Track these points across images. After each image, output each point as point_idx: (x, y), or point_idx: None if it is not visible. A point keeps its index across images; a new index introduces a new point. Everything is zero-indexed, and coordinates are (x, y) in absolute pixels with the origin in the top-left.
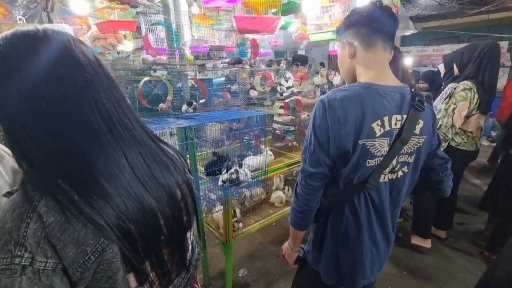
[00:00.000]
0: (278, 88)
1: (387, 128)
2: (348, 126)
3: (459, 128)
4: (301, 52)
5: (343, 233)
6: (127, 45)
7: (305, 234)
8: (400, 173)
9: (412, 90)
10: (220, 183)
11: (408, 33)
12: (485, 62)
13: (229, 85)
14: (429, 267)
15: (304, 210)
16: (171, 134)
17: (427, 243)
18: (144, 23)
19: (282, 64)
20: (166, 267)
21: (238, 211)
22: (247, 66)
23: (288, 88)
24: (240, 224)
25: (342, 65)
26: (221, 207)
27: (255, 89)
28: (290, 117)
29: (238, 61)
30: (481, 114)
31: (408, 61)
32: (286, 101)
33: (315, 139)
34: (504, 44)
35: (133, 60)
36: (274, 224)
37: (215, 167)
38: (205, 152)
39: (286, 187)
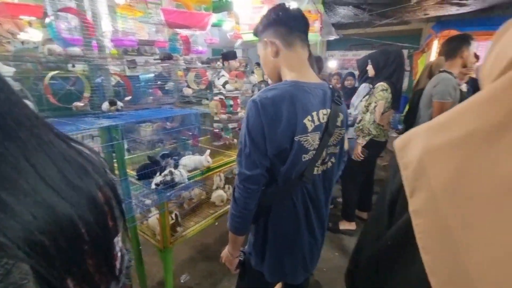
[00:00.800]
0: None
1: (317, 122)
2: (283, 124)
3: (378, 122)
4: (239, 52)
5: (284, 229)
6: (34, 35)
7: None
8: (329, 164)
9: (331, 86)
10: (153, 186)
11: (331, 38)
12: (396, 66)
13: (159, 82)
14: (351, 245)
15: (243, 214)
16: (92, 137)
17: (352, 226)
18: (50, 7)
19: (218, 62)
20: (92, 281)
21: (176, 214)
22: (181, 63)
23: (224, 84)
24: (180, 228)
25: (266, 65)
26: (157, 211)
27: (189, 87)
28: (227, 115)
29: (168, 57)
30: (393, 110)
31: (332, 64)
32: (216, 98)
33: (250, 140)
34: (404, 52)
35: (43, 52)
36: (216, 223)
37: (148, 170)
38: (136, 155)
39: (227, 186)
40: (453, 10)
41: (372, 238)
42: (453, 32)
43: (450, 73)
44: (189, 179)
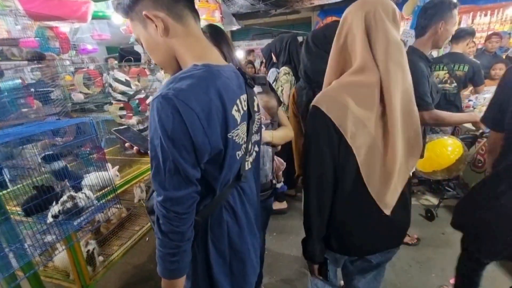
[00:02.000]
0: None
1: (242, 111)
2: (212, 120)
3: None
4: (137, 48)
5: (227, 241)
6: None
7: None
8: (254, 154)
9: (238, 68)
10: (50, 219)
11: (234, 28)
12: (291, 50)
13: (34, 90)
14: (289, 223)
15: (181, 247)
16: None
17: (283, 205)
18: None
19: (115, 62)
20: None
21: (91, 243)
22: (67, 63)
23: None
24: (100, 257)
25: (153, 50)
26: (65, 247)
27: (81, 92)
28: (135, 118)
29: (38, 57)
30: None
31: (239, 54)
32: (116, 102)
33: (172, 150)
34: (300, 39)
35: None
36: (147, 239)
37: (39, 200)
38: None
39: None
40: None
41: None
42: (335, 18)
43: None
44: (99, 199)
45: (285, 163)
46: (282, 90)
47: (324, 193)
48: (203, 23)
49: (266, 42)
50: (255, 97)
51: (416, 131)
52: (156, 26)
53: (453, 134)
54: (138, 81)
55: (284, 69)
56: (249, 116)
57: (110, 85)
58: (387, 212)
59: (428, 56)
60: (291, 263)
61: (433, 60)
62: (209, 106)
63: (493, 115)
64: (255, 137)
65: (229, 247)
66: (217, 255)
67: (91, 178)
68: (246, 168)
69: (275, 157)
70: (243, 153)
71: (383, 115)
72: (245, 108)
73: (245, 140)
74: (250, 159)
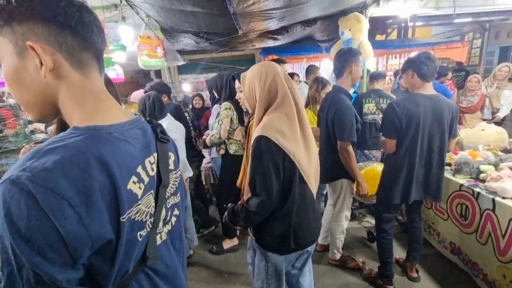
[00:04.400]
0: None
1: (146, 179)
2: (94, 205)
3: (233, 139)
4: None
5: None
6: None
7: None
8: (174, 219)
9: (148, 119)
10: None
11: (179, 63)
12: (232, 86)
13: None
14: (242, 261)
15: None
16: None
17: (234, 242)
18: None
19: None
20: None
21: None
22: None
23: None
24: None
25: (21, 85)
26: None
27: None
28: None
29: None
30: (242, 126)
31: (186, 87)
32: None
33: (29, 254)
34: None
35: None
36: None
37: None
38: None
39: None
40: (271, 43)
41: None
42: (275, 57)
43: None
44: None
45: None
46: (221, 125)
47: (272, 198)
48: (145, 58)
49: (212, 75)
50: (171, 153)
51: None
52: (40, 62)
53: (381, 161)
54: None
55: (225, 104)
56: (158, 181)
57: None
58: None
59: (348, 93)
60: None
61: (362, 95)
62: (89, 186)
63: (389, 131)
64: (172, 200)
65: None
66: None
67: None
68: (158, 243)
69: None
70: (149, 229)
71: (302, 132)
72: (152, 173)
73: (153, 212)
74: (166, 228)
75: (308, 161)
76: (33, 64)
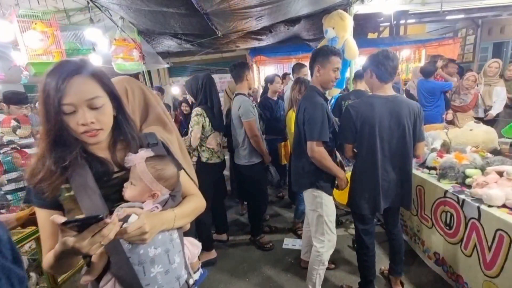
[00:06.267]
0: None
1: None
2: None
3: (206, 146)
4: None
5: None
6: None
7: None
8: None
9: None
10: None
11: (160, 66)
12: (207, 89)
13: None
14: (216, 277)
15: None
16: None
17: (212, 254)
18: None
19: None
20: None
21: None
22: None
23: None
24: None
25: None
26: None
27: None
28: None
29: None
30: (217, 132)
31: (175, 90)
32: None
33: None
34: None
35: None
36: None
37: None
38: None
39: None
40: (256, 43)
41: None
42: (263, 58)
43: (244, 94)
44: None
45: (200, 245)
46: (191, 132)
47: None
48: (120, 61)
49: None
50: None
51: None
52: None
53: None
54: (16, 131)
55: (197, 110)
56: None
57: None
58: None
59: (323, 93)
60: None
61: (343, 97)
62: None
63: (344, 135)
64: None
65: None
66: None
67: None
68: None
69: (186, 241)
70: None
71: None
72: None
73: None
74: None
75: None
76: None
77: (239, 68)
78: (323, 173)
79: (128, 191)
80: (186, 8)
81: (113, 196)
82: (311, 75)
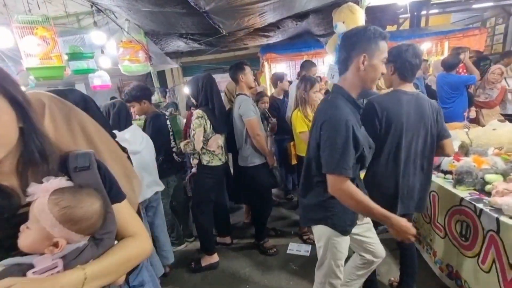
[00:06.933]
0: None
1: None
2: None
3: (206, 149)
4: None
5: None
6: None
7: None
8: None
9: None
10: None
11: (169, 67)
12: (208, 91)
13: None
14: (220, 279)
15: None
16: None
17: (214, 258)
18: None
19: None
20: None
21: None
22: None
23: None
24: None
25: None
26: None
27: None
28: None
29: None
30: (218, 134)
31: (187, 90)
32: None
33: None
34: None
35: None
36: None
37: None
38: None
39: None
40: (264, 41)
41: None
42: (274, 55)
43: (244, 94)
44: None
45: None
46: (193, 135)
47: None
48: (126, 63)
49: (217, 77)
50: None
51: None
52: None
53: None
54: None
55: (197, 112)
56: None
57: None
58: None
59: (356, 99)
60: None
61: None
62: None
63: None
64: None
65: None
66: None
67: None
68: None
69: None
70: None
71: None
72: None
73: None
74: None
75: None
76: None
77: (233, 71)
78: (339, 206)
79: (21, 237)
80: (183, 7)
81: (10, 241)
82: (342, 69)
